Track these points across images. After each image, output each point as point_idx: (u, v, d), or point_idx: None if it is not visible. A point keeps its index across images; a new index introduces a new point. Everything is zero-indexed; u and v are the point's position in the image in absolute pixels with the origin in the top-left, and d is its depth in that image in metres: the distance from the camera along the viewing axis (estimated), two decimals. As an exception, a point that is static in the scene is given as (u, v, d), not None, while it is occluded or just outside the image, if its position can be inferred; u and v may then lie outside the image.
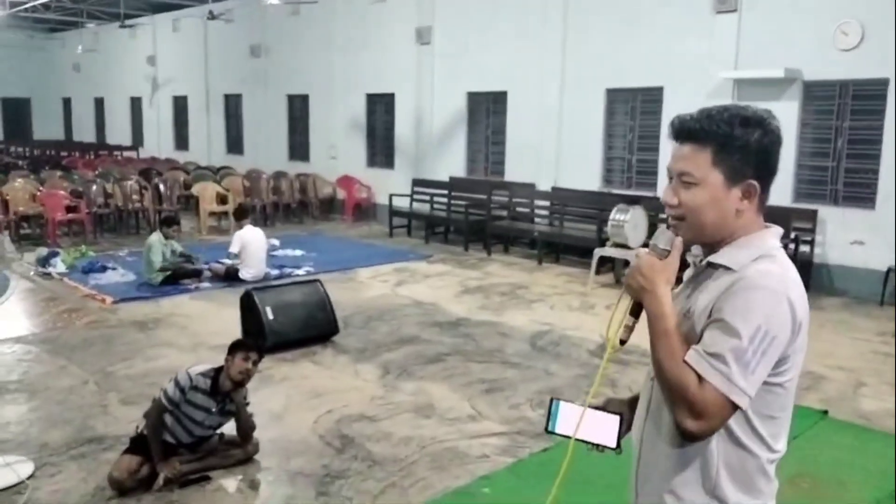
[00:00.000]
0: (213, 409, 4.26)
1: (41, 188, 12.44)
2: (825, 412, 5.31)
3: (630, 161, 11.11)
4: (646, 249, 1.71)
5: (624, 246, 8.81)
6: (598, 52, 11.05)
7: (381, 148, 15.08)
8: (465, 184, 12.90)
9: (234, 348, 4.30)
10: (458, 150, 13.37)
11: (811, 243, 9.08)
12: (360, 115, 15.24)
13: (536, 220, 11.81)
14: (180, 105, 20.81)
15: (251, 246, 9.12)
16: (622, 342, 1.74)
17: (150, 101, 21.90)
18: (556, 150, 11.70)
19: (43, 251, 9.94)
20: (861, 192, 8.96)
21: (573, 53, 11.35)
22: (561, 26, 11.42)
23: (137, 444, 4.16)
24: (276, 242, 11.08)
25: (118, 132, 23.73)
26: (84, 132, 25.76)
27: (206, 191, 13.74)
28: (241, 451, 4.44)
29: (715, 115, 1.65)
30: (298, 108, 16.86)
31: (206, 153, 19.42)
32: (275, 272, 9.49)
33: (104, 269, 9.49)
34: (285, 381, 5.86)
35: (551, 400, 1.89)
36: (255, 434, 4.46)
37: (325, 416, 5.16)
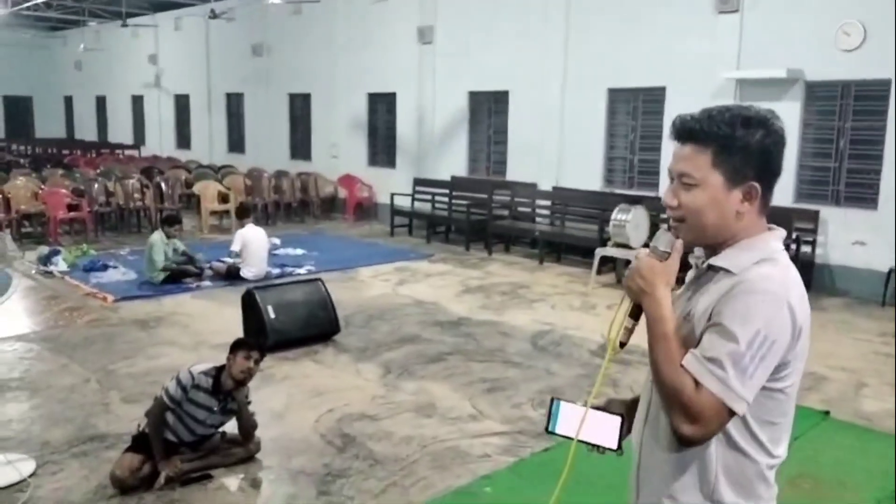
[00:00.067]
0: (215, 408, 4.26)
1: (43, 186, 12.44)
2: (826, 413, 5.31)
3: (632, 161, 11.11)
4: (646, 251, 1.69)
5: (625, 246, 8.82)
6: (599, 51, 11.05)
7: (382, 147, 15.08)
8: (466, 183, 12.89)
9: (235, 347, 4.31)
10: (460, 149, 13.37)
11: (813, 244, 9.07)
12: (362, 115, 15.25)
13: (538, 219, 11.81)
14: (182, 104, 20.81)
15: (252, 245, 9.12)
16: (622, 344, 1.73)
17: (151, 99, 21.92)
18: (557, 150, 11.70)
19: (44, 249, 9.94)
20: (863, 193, 8.96)
21: (575, 53, 11.35)
22: (563, 26, 11.42)
23: (139, 443, 4.17)
24: (277, 241, 11.07)
25: (120, 131, 23.74)
26: (86, 131, 25.78)
27: (207, 189, 13.74)
28: (243, 450, 4.45)
29: (716, 116, 1.63)
30: (300, 107, 16.86)
31: (207, 152, 19.43)
32: (276, 271, 9.50)
33: (105, 267, 9.49)
34: (287, 379, 5.86)
35: (552, 400, 1.87)
36: (257, 433, 4.47)
37: (326, 415, 5.16)
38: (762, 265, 1.59)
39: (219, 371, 4.27)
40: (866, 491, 4.31)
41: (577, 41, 11.30)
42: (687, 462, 1.64)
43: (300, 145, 16.94)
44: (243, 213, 9.76)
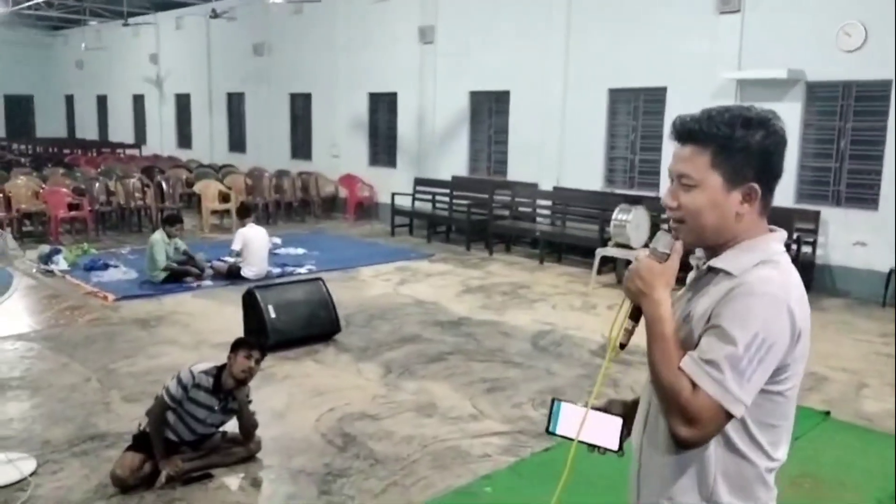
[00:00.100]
0: (216, 407, 4.27)
1: (44, 185, 12.46)
2: (827, 413, 5.31)
3: (633, 161, 11.11)
4: (645, 252, 1.68)
5: (626, 246, 8.82)
6: (600, 51, 11.04)
7: (383, 147, 15.08)
8: (467, 183, 12.89)
9: (236, 346, 4.31)
10: (461, 149, 13.37)
11: (813, 244, 9.07)
12: (363, 114, 15.25)
13: (538, 219, 11.81)
14: (183, 103, 20.82)
15: (253, 244, 9.13)
16: (622, 346, 1.73)
17: (152, 99, 21.93)
18: (558, 150, 11.70)
19: (45, 248, 9.95)
20: (863, 194, 8.96)
21: (576, 53, 11.35)
22: (564, 26, 11.42)
23: (140, 442, 4.17)
24: (278, 241, 11.08)
25: (121, 130, 23.75)
26: (87, 130, 25.78)
27: (208, 189, 13.75)
28: (244, 449, 4.45)
29: (716, 116, 1.62)
30: (301, 107, 16.86)
31: (208, 151, 19.44)
32: (277, 270, 9.50)
33: (106, 266, 9.49)
34: (287, 379, 5.87)
35: (552, 401, 1.86)
36: (258, 432, 4.47)
37: (326, 414, 5.17)
38: (762, 267, 1.58)
39: (220, 370, 4.27)
40: (866, 491, 4.32)
41: (578, 41, 11.30)
42: (686, 464, 1.63)
43: (301, 145, 16.95)
44: (244, 213, 9.76)
